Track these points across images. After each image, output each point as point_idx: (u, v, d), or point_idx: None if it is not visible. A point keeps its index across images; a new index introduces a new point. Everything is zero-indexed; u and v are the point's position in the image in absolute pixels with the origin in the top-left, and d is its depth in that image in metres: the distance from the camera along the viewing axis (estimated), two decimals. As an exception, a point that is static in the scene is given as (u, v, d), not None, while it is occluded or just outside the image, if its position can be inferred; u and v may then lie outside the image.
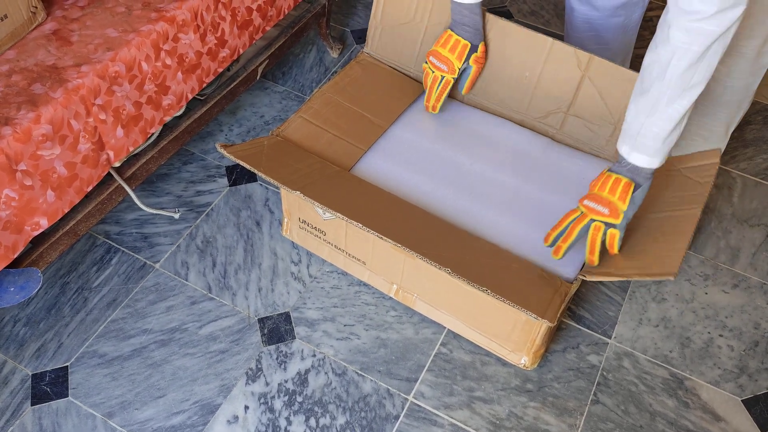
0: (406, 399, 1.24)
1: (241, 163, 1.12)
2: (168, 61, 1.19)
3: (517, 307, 0.98)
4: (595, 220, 1.06)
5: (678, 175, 1.15)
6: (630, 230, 1.08)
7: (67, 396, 1.21)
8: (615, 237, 1.06)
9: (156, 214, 1.46)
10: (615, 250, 1.07)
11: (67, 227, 1.21)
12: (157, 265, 1.39)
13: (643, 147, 1.01)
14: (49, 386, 1.22)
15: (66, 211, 1.11)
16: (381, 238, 1.04)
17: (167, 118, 1.26)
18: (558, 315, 1.01)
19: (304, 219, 1.36)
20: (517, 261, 1.08)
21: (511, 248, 1.14)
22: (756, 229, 1.53)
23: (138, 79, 1.15)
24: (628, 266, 1.03)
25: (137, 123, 1.18)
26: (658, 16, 2.05)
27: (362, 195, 1.14)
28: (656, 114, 0.97)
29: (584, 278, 1.06)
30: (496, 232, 1.16)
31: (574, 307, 1.37)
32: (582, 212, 1.07)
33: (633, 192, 1.04)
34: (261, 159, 1.14)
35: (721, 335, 1.35)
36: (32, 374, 1.24)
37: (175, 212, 1.44)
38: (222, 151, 1.14)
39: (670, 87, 0.94)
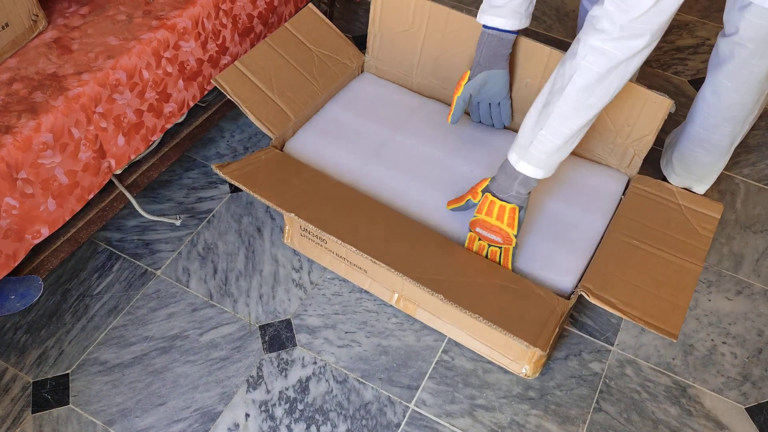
0: (408, 407, 1.23)
1: (237, 183, 1.12)
2: (169, 69, 1.19)
3: (508, 334, 0.97)
4: (491, 246, 1.12)
5: (680, 214, 1.14)
6: (631, 260, 1.08)
7: (68, 403, 1.21)
8: (508, 255, 1.12)
9: (157, 221, 1.46)
10: (509, 266, 1.13)
11: (68, 235, 1.21)
12: (159, 272, 1.39)
13: (533, 158, 1.04)
14: (50, 394, 1.22)
15: (67, 219, 1.12)
16: (376, 263, 1.04)
17: (168, 126, 1.26)
18: (551, 340, 1.00)
19: (305, 227, 1.35)
20: (514, 279, 1.07)
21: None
22: (759, 235, 1.52)
23: (139, 87, 1.15)
24: (631, 304, 1.03)
25: (138, 131, 1.18)
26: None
27: (361, 211, 1.13)
28: (551, 128, 0.99)
29: (584, 296, 1.05)
30: None
31: (576, 314, 1.37)
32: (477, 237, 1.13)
33: (519, 215, 1.08)
34: (257, 177, 1.14)
35: (724, 342, 1.34)
36: (33, 382, 1.24)
37: (176, 219, 1.44)
38: (218, 171, 1.14)
39: (566, 103, 0.96)
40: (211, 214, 1.49)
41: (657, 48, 1.94)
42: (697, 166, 1.35)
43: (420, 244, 1.09)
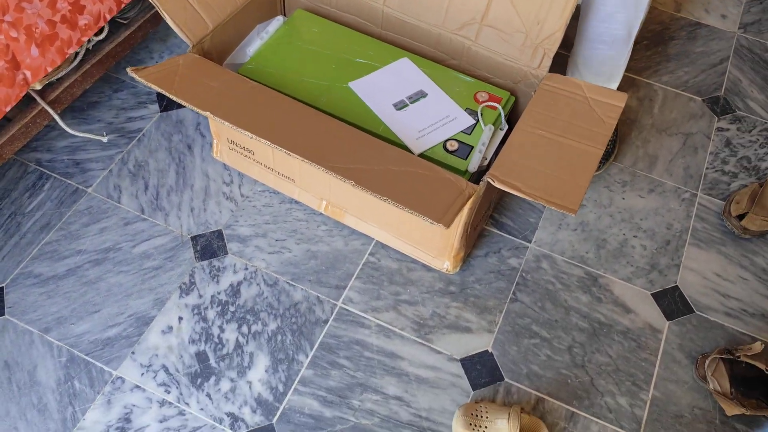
0: (335, 304, 1.30)
1: (151, 86, 1.12)
2: (80, -21, 1.19)
3: (415, 213, 1.02)
4: None
5: (585, 105, 1.19)
6: (538, 148, 1.13)
7: (4, 314, 1.25)
8: None
9: (87, 140, 1.47)
10: None
11: (-9, 150, 1.22)
12: (90, 190, 1.42)
13: None
14: (-15, 306, 1.26)
15: (-16, 130, 1.13)
16: (289, 154, 1.07)
17: (85, 38, 1.26)
18: (455, 217, 1.04)
19: (232, 139, 1.38)
20: (426, 166, 1.12)
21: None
22: (674, 138, 1.59)
23: (49, -3, 1.14)
24: (535, 186, 1.07)
25: (53, 42, 1.19)
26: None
27: (277, 109, 1.16)
28: None
29: (491, 182, 1.10)
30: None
31: (496, 215, 1.44)
32: None
33: None
34: (174, 80, 1.14)
35: (635, 236, 1.43)
36: (-32, 296, 1.27)
37: (102, 136, 1.45)
38: (133, 74, 1.13)
39: None
40: (141, 133, 1.51)
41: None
42: (602, 64, 1.40)
43: (335, 138, 1.13)
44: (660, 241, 1.42)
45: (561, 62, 1.48)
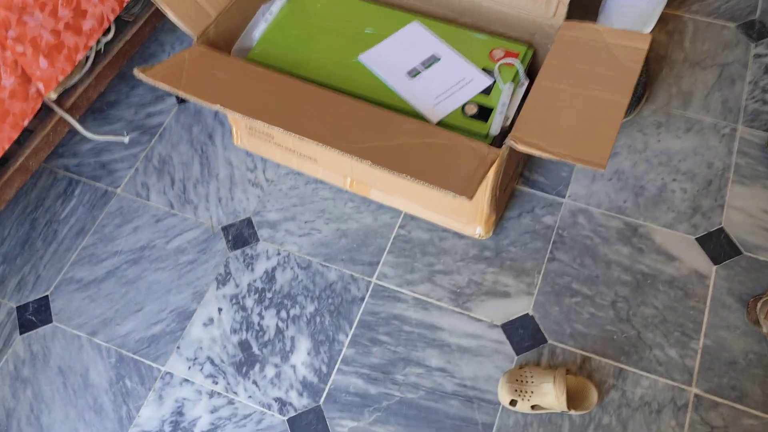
0: (370, 281, 1.29)
1: (159, 85, 1.11)
2: (78, -17, 1.18)
3: (435, 188, 0.99)
4: None
5: (606, 51, 1.13)
6: (559, 103, 1.07)
7: (52, 322, 1.29)
8: None
9: (111, 142, 1.48)
10: None
11: (18, 164, 1.24)
12: (119, 190, 1.43)
13: None
14: (34, 315, 1.30)
15: (6, 147, 1.14)
16: (303, 139, 1.05)
17: (92, 43, 1.25)
18: (478, 187, 1.00)
19: (250, 125, 1.37)
20: (446, 136, 1.08)
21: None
22: (708, 70, 1.51)
23: (49, 6, 1.14)
24: (559, 144, 1.02)
25: (60, 51, 1.18)
26: None
27: (287, 93, 1.14)
28: None
29: (513, 146, 1.06)
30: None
31: (527, 173, 1.39)
32: None
33: None
34: (181, 76, 1.13)
35: (674, 180, 1.37)
36: (16, 307, 1.31)
37: (123, 135, 1.46)
38: (139, 75, 1.11)
39: None
40: (162, 128, 1.51)
41: None
42: (637, 17, 1.32)
43: (349, 116, 1.10)
44: (701, 182, 1.36)
45: (589, 7, 1.41)
